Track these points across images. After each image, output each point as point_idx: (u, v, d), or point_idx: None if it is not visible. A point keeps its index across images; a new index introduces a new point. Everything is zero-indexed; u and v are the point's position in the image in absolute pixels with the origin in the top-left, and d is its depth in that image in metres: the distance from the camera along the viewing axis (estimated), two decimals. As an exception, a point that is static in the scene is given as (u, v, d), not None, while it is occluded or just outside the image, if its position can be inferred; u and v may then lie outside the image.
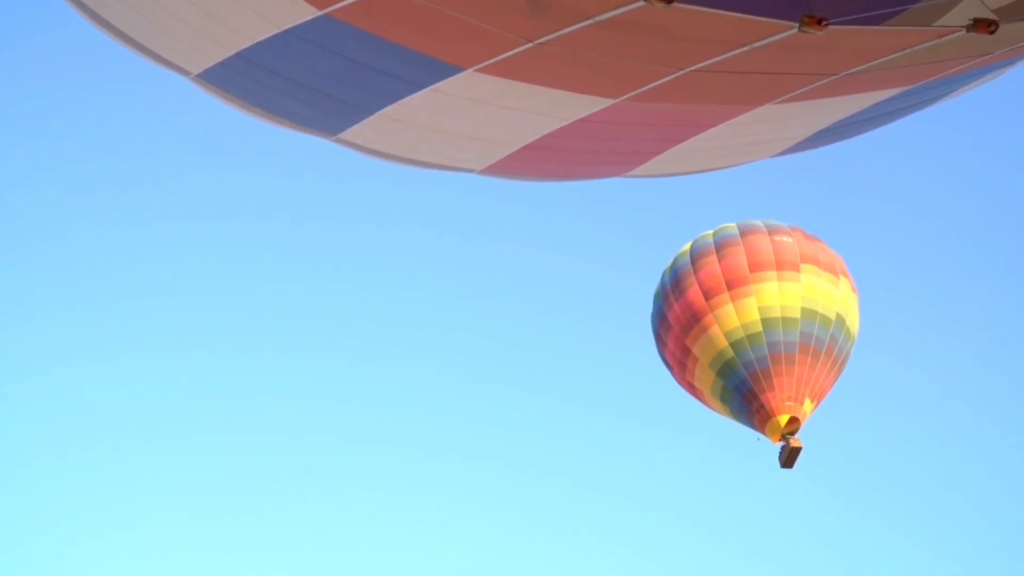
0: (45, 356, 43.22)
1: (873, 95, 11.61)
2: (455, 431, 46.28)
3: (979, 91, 12.34)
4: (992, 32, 9.92)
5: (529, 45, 10.12)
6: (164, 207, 47.08)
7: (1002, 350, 45.67)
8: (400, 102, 10.92)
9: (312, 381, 46.46)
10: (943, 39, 10.30)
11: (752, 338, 24.44)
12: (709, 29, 9.95)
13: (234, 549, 41.96)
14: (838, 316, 24.95)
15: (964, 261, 48.07)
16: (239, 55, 10.34)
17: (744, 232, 25.19)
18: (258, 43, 10.19)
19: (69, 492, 41.88)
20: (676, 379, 25.92)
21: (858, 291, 25.75)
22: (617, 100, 11.02)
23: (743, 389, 24.60)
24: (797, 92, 11.14)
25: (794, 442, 24.46)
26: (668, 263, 25.88)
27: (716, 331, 24.61)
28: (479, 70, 10.47)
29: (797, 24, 9.72)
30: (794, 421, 24.45)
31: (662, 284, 25.77)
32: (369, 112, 11.09)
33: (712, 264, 24.94)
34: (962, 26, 9.99)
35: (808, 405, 24.58)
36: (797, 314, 24.51)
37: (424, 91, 10.76)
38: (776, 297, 24.56)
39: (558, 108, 11.14)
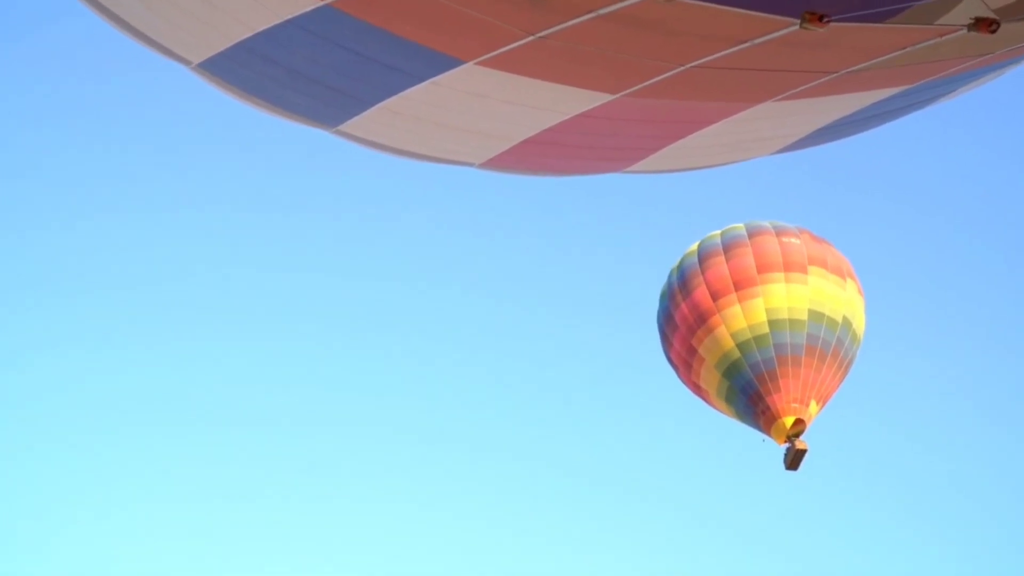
0: (44, 346, 43.32)
1: (873, 93, 11.59)
2: (457, 429, 46.27)
3: (981, 91, 12.34)
4: (993, 31, 9.92)
5: (530, 39, 10.10)
6: (163, 197, 47.18)
7: (1006, 348, 45.63)
8: (400, 95, 10.91)
9: (311, 374, 46.47)
10: (944, 38, 10.28)
11: (759, 339, 24.42)
12: (710, 25, 9.93)
13: (232, 542, 42.02)
14: (845, 319, 24.92)
15: (967, 260, 48.04)
16: (240, 45, 10.33)
17: (752, 233, 25.16)
18: (259, 33, 10.18)
19: (67, 486, 42.05)
20: (681, 379, 25.90)
21: (864, 293, 25.74)
22: (617, 95, 11.00)
23: (749, 390, 24.58)
24: (797, 89, 11.12)
25: (799, 444, 24.44)
26: (675, 262, 25.87)
27: (723, 332, 24.59)
28: (479, 63, 10.46)
29: (799, 20, 9.71)
30: (799, 423, 24.43)
31: (669, 284, 25.75)
32: (369, 104, 11.08)
33: (720, 265, 24.91)
34: (963, 25, 9.98)
35: (814, 407, 24.55)
36: (804, 316, 24.48)
37: (424, 84, 10.75)
38: (783, 299, 24.54)
39: (558, 103, 11.12)
